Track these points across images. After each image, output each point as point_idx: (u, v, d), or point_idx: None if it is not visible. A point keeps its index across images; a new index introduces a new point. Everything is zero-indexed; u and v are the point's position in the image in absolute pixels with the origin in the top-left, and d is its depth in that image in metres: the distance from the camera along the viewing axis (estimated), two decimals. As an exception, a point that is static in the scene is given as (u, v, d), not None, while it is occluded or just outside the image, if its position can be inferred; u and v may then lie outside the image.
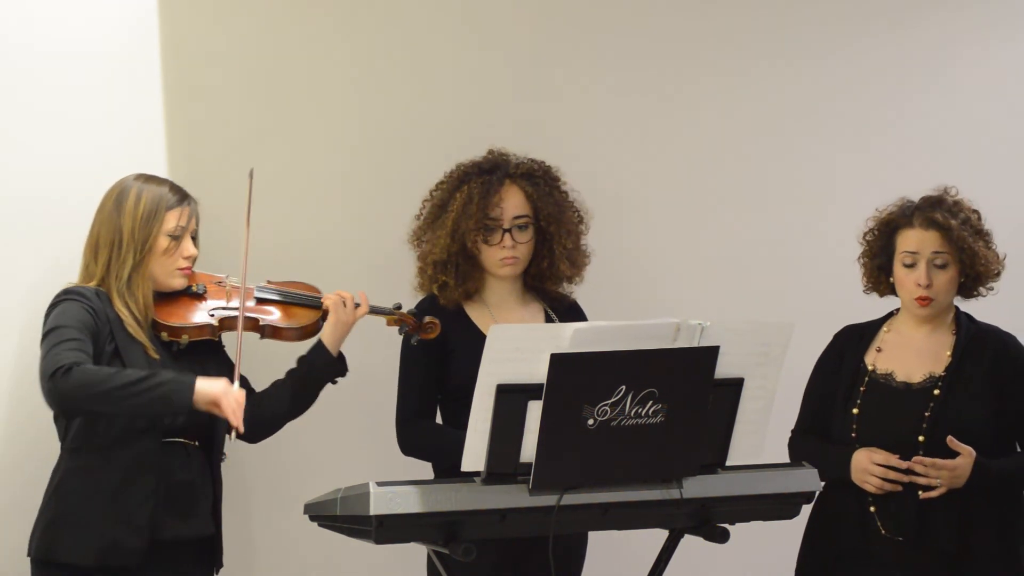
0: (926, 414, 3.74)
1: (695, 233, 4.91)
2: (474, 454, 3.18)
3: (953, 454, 3.70)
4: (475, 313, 3.89)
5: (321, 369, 3.64)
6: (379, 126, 4.53)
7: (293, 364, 3.69)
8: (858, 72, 5.04)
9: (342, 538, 3.34)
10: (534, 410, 3.15)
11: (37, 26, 3.99)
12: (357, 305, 3.66)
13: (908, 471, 3.69)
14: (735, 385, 3.32)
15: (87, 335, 3.39)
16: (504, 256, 3.85)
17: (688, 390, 3.24)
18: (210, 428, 3.55)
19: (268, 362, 3.73)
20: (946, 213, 3.81)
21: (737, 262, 4.92)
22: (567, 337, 3.16)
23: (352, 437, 4.45)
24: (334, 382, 3.69)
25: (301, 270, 4.20)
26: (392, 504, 3.14)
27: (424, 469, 3.89)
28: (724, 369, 3.27)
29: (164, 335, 3.53)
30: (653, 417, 3.21)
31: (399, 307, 3.75)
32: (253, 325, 3.59)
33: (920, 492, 3.69)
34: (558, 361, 3.11)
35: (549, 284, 3.95)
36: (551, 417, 3.14)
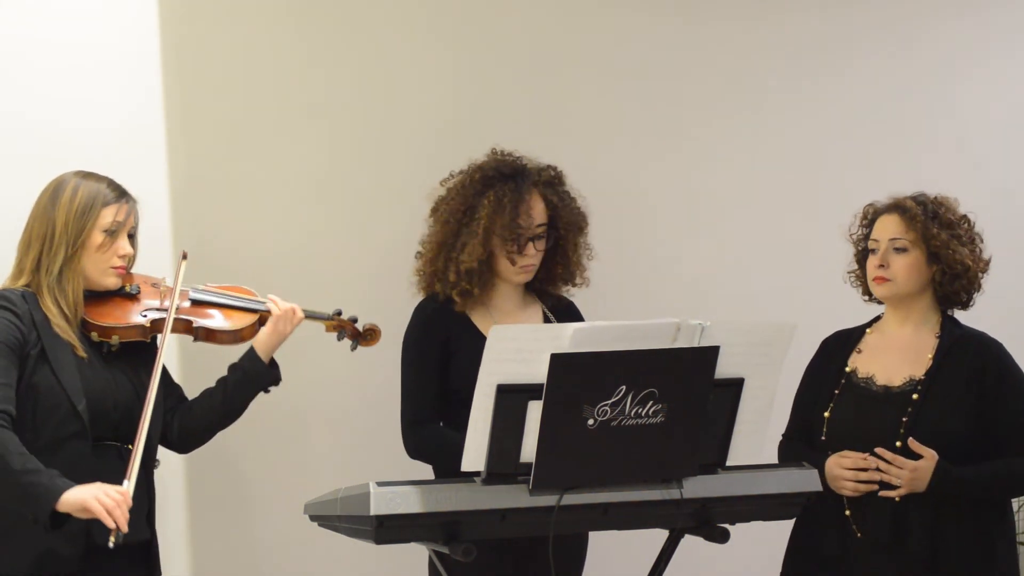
0: (903, 419, 3.73)
1: (696, 234, 4.92)
2: (474, 454, 3.17)
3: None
4: (477, 315, 3.88)
5: (254, 376, 3.55)
6: (380, 127, 4.54)
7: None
8: (860, 79, 5.06)
9: (342, 538, 3.34)
10: (534, 410, 3.15)
11: (37, 26, 3.99)
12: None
13: (876, 469, 3.68)
14: (735, 385, 3.31)
15: (11, 358, 3.29)
16: (526, 264, 3.84)
17: (688, 390, 3.24)
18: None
19: (208, 368, 3.67)
20: (913, 200, 3.81)
21: (738, 264, 4.93)
22: (567, 337, 3.15)
23: (352, 437, 4.45)
24: (267, 390, 3.60)
25: (300, 269, 4.21)
26: (392, 504, 3.14)
27: (425, 469, 3.89)
28: (724, 369, 3.27)
29: (94, 335, 3.43)
30: (653, 417, 3.21)
31: (339, 313, 3.70)
32: (187, 327, 3.51)
33: (880, 492, 3.67)
34: (558, 361, 3.11)
35: (555, 287, 3.95)
36: (551, 417, 3.13)
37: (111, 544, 3.18)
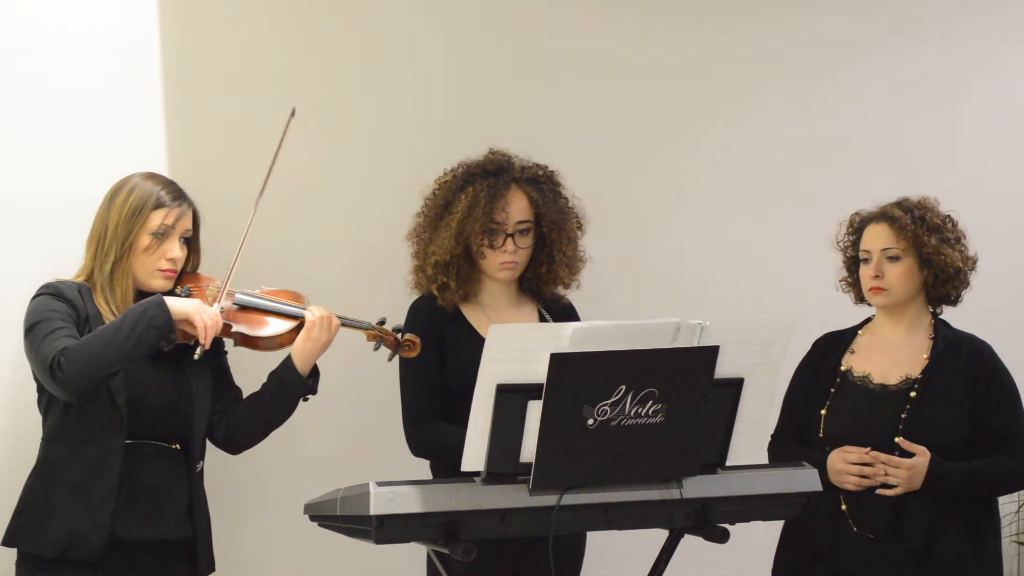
0: (902, 416, 3.76)
1: (695, 234, 4.92)
2: (474, 454, 3.17)
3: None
4: (471, 314, 3.89)
5: (289, 385, 3.57)
6: (379, 126, 4.53)
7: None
8: (859, 81, 5.06)
9: (342, 538, 3.34)
10: (534, 410, 3.14)
11: (37, 26, 3.99)
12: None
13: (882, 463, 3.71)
14: (735, 385, 3.31)
15: (70, 321, 3.39)
16: (504, 260, 3.85)
17: (688, 390, 3.24)
18: (188, 431, 3.52)
19: (255, 373, 3.69)
20: (899, 208, 3.85)
21: (736, 264, 4.93)
22: (567, 337, 3.15)
23: (352, 437, 4.45)
24: (305, 399, 3.61)
25: (299, 270, 4.20)
26: (392, 504, 3.14)
27: (425, 470, 3.89)
28: (724, 369, 3.27)
29: None
30: (653, 417, 3.21)
31: (383, 322, 3.67)
32: (225, 332, 3.53)
33: (877, 491, 3.72)
34: (558, 361, 3.11)
35: (545, 288, 3.95)
36: (551, 417, 3.13)
37: (197, 356, 3.39)
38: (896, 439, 3.73)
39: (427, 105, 4.57)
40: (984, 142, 5.17)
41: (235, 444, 3.64)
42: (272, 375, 3.60)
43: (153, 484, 3.46)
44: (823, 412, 3.83)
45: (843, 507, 3.77)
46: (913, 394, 3.79)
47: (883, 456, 3.71)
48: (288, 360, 3.57)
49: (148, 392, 3.46)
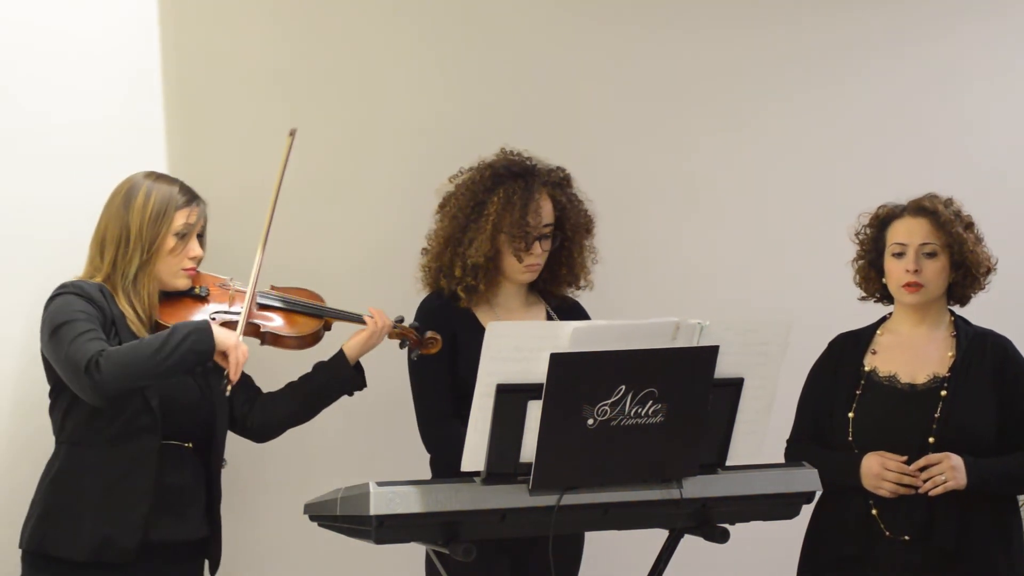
0: (935, 415, 3.74)
1: (696, 234, 4.92)
2: (474, 454, 3.18)
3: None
4: (481, 313, 3.88)
5: (341, 380, 3.66)
6: (381, 126, 4.53)
7: (294, 374, 3.67)
8: (863, 79, 5.06)
9: (342, 538, 3.34)
10: (534, 410, 3.15)
11: (37, 27, 3.99)
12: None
13: (923, 468, 3.70)
14: (735, 385, 3.31)
15: (97, 324, 3.38)
16: (531, 263, 3.84)
17: (688, 390, 3.24)
18: (208, 431, 3.55)
19: (270, 370, 3.73)
20: (936, 201, 3.83)
21: (737, 264, 4.93)
22: (566, 336, 3.15)
23: (352, 437, 4.45)
24: (350, 394, 3.70)
25: (302, 271, 4.20)
26: (392, 504, 3.14)
27: (426, 470, 3.89)
28: (724, 369, 3.27)
29: None
30: (653, 417, 3.21)
31: (401, 320, 3.74)
32: (255, 331, 3.57)
33: (921, 490, 3.69)
34: (558, 361, 3.11)
35: (559, 289, 3.95)
36: (551, 417, 3.13)
37: (227, 392, 3.41)
38: (921, 460, 3.71)
39: (431, 105, 4.57)
40: (989, 142, 5.17)
41: (268, 431, 3.70)
42: (321, 368, 3.67)
43: (179, 484, 3.49)
44: (850, 415, 3.81)
45: (873, 511, 3.75)
46: (943, 392, 3.77)
47: (922, 462, 3.69)
48: (340, 355, 3.66)
49: (175, 394, 3.48)
